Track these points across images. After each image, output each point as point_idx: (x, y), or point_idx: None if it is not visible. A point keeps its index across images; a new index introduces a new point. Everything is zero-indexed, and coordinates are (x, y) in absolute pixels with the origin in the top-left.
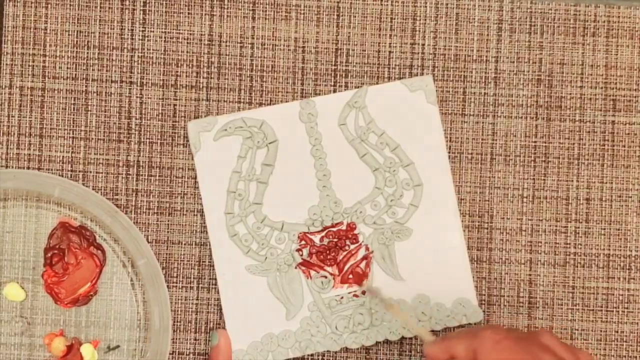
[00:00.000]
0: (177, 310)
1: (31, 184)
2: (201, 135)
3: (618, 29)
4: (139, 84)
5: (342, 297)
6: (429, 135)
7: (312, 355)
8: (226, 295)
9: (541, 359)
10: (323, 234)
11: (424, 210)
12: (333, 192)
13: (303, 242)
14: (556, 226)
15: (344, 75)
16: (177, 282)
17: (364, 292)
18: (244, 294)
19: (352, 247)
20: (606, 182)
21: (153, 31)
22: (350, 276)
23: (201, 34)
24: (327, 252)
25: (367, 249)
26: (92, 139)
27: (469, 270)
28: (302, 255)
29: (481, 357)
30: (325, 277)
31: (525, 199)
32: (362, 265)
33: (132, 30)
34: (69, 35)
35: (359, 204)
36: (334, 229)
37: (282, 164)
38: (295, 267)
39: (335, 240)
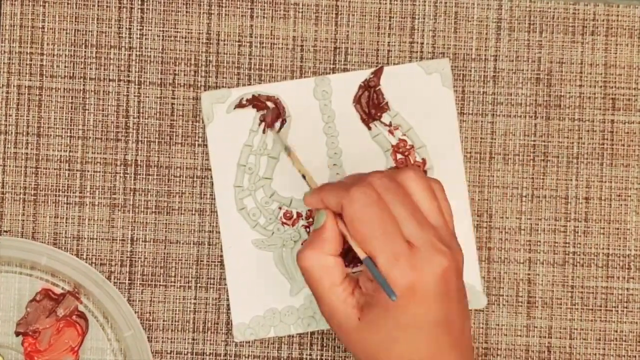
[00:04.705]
0: (175, 310)
1: (19, 252)
2: (214, 106)
3: (617, 28)
4: (136, 83)
5: None
6: (443, 118)
7: (313, 332)
8: (231, 269)
9: (403, 229)
10: None
11: None
12: (343, 171)
13: (311, 220)
14: (555, 225)
15: None
16: (175, 282)
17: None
18: (249, 268)
19: None
20: (605, 181)
21: (151, 30)
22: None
23: (199, 33)
24: None
25: None
26: (90, 137)
27: (476, 255)
28: (309, 232)
29: (346, 216)
30: None
31: (524, 198)
32: None
33: (130, 28)
34: (66, 33)
35: None
36: None
37: (294, 140)
38: (302, 244)
39: None
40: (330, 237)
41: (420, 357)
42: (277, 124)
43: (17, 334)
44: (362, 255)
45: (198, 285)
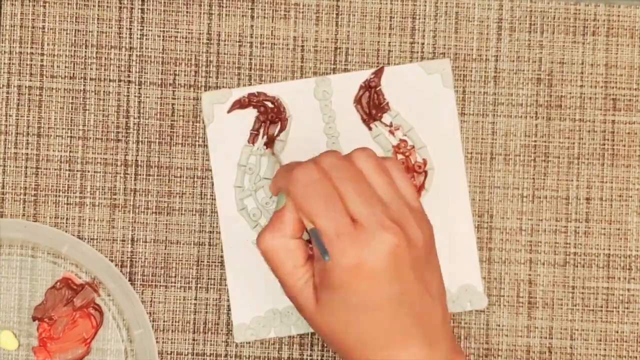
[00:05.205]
0: (176, 311)
1: (41, 238)
2: (215, 107)
3: (618, 28)
4: (137, 83)
5: None
6: (444, 119)
7: (314, 333)
8: (231, 269)
9: (349, 206)
10: None
11: (435, 194)
12: None
13: None
14: (556, 226)
15: None
16: (175, 282)
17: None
18: (250, 269)
19: None
20: (606, 182)
21: (151, 30)
22: None
23: (200, 33)
24: None
25: None
26: (90, 138)
27: (477, 256)
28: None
29: (291, 196)
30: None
31: (525, 199)
32: None
33: (130, 29)
34: (67, 34)
35: None
36: None
37: (295, 140)
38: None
39: None
40: (289, 220)
41: (378, 340)
42: (276, 145)
43: (34, 319)
44: (309, 226)
45: (198, 285)
